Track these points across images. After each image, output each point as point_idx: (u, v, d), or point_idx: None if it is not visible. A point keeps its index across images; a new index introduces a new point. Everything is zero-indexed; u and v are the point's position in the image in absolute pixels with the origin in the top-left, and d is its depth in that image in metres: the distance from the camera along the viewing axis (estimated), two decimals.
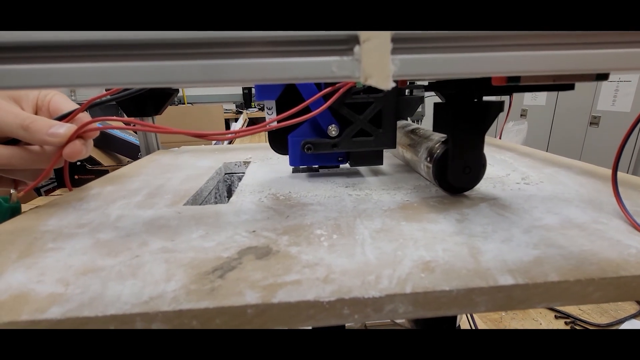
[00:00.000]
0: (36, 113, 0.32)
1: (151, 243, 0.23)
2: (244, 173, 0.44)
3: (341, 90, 0.32)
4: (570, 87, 0.23)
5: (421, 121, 1.88)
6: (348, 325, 0.56)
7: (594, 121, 2.06)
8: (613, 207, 0.27)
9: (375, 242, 0.23)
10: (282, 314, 0.17)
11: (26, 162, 0.30)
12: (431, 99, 0.42)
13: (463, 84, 0.29)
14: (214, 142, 1.28)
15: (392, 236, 0.23)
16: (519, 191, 0.32)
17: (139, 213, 0.29)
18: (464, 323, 0.59)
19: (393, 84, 0.14)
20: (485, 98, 0.30)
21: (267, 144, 0.41)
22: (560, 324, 0.60)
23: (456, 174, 0.30)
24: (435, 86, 0.34)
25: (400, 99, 0.38)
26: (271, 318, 0.17)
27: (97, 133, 0.31)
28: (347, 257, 0.21)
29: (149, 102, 0.54)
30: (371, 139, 0.36)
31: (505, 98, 0.40)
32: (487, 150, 0.33)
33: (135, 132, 1.04)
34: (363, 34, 0.13)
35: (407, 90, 0.49)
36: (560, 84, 0.22)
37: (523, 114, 2.45)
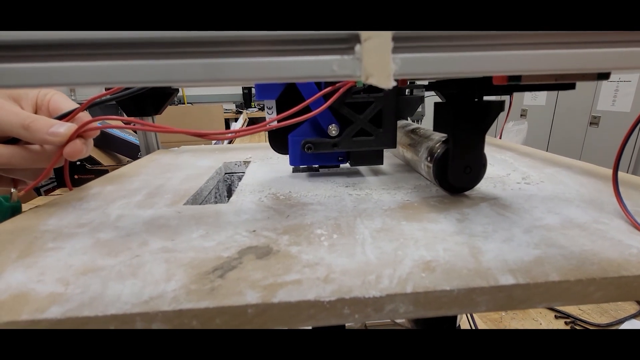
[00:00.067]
0: (36, 112, 0.32)
1: (151, 243, 0.23)
2: (244, 173, 0.44)
3: (341, 90, 0.32)
4: (571, 86, 0.23)
5: (421, 121, 1.88)
6: (348, 325, 0.56)
7: (594, 121, 2.06)
8: (614, 207, 0.27)
9: (375, 241, 0.23)
10: (283, 313, 0.17)
11: (26, 162, 0.30)
12: (431, 98, 0.42)
13: (464, 83, 0.29)
14: (214, 141, 1.28)
15: (392, 236, 0.23)
16: (520, 191, 0.32)
17: (139, 213, 0.29)
18: (464, 323, 0.59)
19: (394, 83, 0.14)
20: (485, 98, 0.30)
21: (267, 143, 0.41)
22: (560, 324, 0.60)
23: (457, 173, 0.30)
24: (436, 86, 0.34)
25: (401, 99, 0.38)
26: (271, 318, 0.17)
27: (98, 132, 0.31)
28: (348, 257, 0.21)
29: (149, 101, 0.54)
30: (371, 138, 0.36)
31: (506, 98, 0.40)
32: (488, 150, 0.33)
33: (135, 132, 1.04)
34: (364, 33, 0.13)
35: (407, 90, 0.49)
36: (562, 83, 0.22)
37: (523, 114, 2.45)
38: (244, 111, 3.18)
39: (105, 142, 1.19)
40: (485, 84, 0.27)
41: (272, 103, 0.36)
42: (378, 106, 0.35)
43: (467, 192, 0.32)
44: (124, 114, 0.54)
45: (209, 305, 0.17)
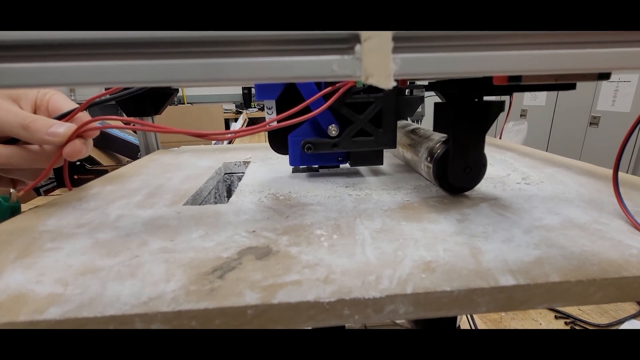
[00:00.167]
0: (35, 112, 0.32)
1: (151, 243, 0.23)
2: (243, 173, 0.44)
3: (341, 90, 0.32)
4: (572, 86, 0.23)
5: (421, 121, 1.88)
6: (348, 325, 0.56)
7: (594, 121, 2.06)
8: (614, 207, 0.27)
9: (375, 242, 0.23)
10: (282, 314, 0.17)
11: (25, 162, 0.30)
12: (431, 99, 0.42)
13: (464, 83, 0.29)
14: (213, 142, 1.28)
15: (392, 236, 0.23)
16: (520, 191, 0.32)
17: (139, 213, 0.28)
18: (464, 323, 0.59)
19: (394, 83, 0.14)
20: (485, 98, 0.30)
21: (267, 143, 0.41)
22: (560, 324, 0.60)
23: (457, 173, 0.30)
24: (436, 86, 0.34)
25: (401, 99, 0.38)
26: (271, 319, 0.17)
27: (97, 132, 0.31)
28: (348, 258, 0.21)
29: (148, 101, 0.54)
30: (371, 138, 0.36)
31: (506, 98, 0.39)
32: (487, 150, 0.33)
33: (135, 132, 1.04)
34: (364, 33, 0.13)
35: (407, 90, 0.49)
36: (562, 83, 0.22)
37: (523, 114, 2.45)
38: (244, 111, 3.17)
39: (105, 142, 1.19)
40: (485, 84, 0.27)
41: (271, 103, 0.36)
42: (378, 106, 0.35)
43: (467, 193, 0.32)
44: (124, 114, 0.54)
45: (208, 306, 0.17)
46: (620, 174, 0.33)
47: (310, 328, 0.20)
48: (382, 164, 0.39)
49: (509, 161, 0.44)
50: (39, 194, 1.17)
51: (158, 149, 0.60)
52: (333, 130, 0.35)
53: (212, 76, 0.14)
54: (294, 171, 0.42)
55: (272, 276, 0.19)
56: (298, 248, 0.22)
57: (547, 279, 0.18)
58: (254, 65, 0.14)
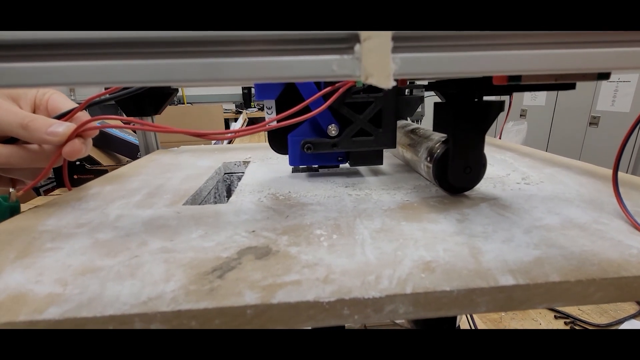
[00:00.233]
0: (34, 112, 0.32)
1: (150, 243, 0.23)
2: (243, 173, 0.44)
3: (341, 90, 0.32)
4: (572, 86, 0.23)
5: (421, 121, 1.88)
6: (348, 325, 0.56)
7: (594, 121, 2.06)
8: (614, 207, 0.27)
9: (375, 242, 0.23)
10: (282, 314, 0.17)
11: (25, 161, 0.30)
12: (431, 98, 0.42)
13: (463, 83, 0.29)
14: (213, 141, 1.28)
15: (392, 236, 0.23)
16: (520, 191, 0.32)
17: (138, 213, 0.28)
18: (463, 323, 0.59)
19: (394, 83, 0.14)
20: (485, 98, 0.30)
21: (267, 143, 0.41)
22: (559, 324, 0.60)
23: (456, 173, 0.30)
24: (436, 86, 0.34)
25: (400, 99, 0.38)
26: (271, 319, 0.17)
27: (97, 132, 0.31)
28: (347, 257, 0.21)
29: (148, 101, 0.54)
30: (371, 138, 0.36)
31: (505, 98, 0.39)
32: (487, 150, 0.33)
33: (135, 132, 1.04)
34: (363, 33, 0.13)
35: (407, 90, 0.49)
36: (562, 83, 0.22)
37: (523, 114, 2.45)
38: (244, 111, 3.17)
39: (105, 142, 1.19)
40: (485, 84, 0.27)
41: (271, 103, 0.36)
42: (378, 106, 0.35)
43: (466, 193, 0.32)
44: (123, 114, 0.54)
45: (208, 306, 0.17)
46: (620, 174, 0.33)
47: (310, 328, 0.20)
48: (381, 164, 0.39)
49: (508, 161, 0.44)
50: (38, 194, 1.17)
51: (158, 148, 0.60)
52: (333, 130, 0.35)
53: (211, 76, 0.14)
54: (293, 171, 0.42)
55: (271, 276, 0.19)
56: (298, 248, 0.22)
57: (546, 278, 0.18)
58: (253, 65, 0.14)
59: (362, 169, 0.43)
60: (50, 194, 1.16)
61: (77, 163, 1.13)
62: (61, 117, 0.30)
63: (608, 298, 0.19)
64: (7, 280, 0.19)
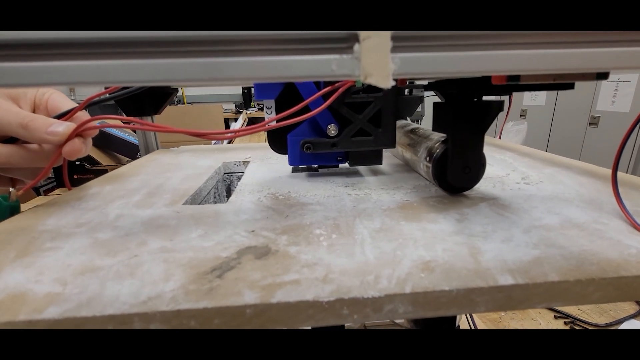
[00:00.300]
0: (34, 111, 0.32)
1: (150, 243, 0.23)
2: (243, 172, 0.44)
3: (340, 90, 0.32)
4: (570, 86, 0.23)
5: (420, 121, 1.88)
6: (347, 325, 0.56)
7: (594, 121, 2.06)
8: (613, 207, 0.27)
9: (374, 241, 0.23)
10: (281, 314, 0.17)
11: (25, 161, 0.30)
12: (431, 98, 0.42)
13: (463, 83, 0.29)
14: (213, 141, 1.28)
15: (391, 236, 0.23)
16: (519, 191, 0.32)
17: (138, 212, 0.28)
18: (463, 323, 0.59)
19: (393, 83, 0.14)
20: (485, 98, 0.30)
21: (267, 143, 0.41)
22: (559, 324, 0.60)
23: (456, 173, 0.30)
24: (435, 86, 0.34)
25: (400, 99, 0.38)
26: (270, 318, 0.17)
27: (97, 131, 0.31)
28: (347, 257, 0.21)
29: (148, 101, 0.54)
30: (370, 138, 0.36)
31: (505, 98, 0.39)
32: (487, 150, 0.33)
33: (135, 132, 1.04)
34: (363, 33, 0.13)
35: (406, 90, 0.49)
36: (560, 83, 0.22)
37: (522, 114, 2.45)
38: (244, 111, 3.18)
39: (105, 141, 1.19)
40: (484, 83, 0.27)
41: (271, 103, 0.36)
42: (377, 106, 0.35)
43: (466, 192, 0.32)
44: (123, 114, 0.54)
45: (207, 306, 0.17)
46: (620, 174, 0.33)
47: (309, 328, 0.20)
48: (381, 164, 0.39)
49: (508, 161, 0.44)
50: (38, 194, 1.17)
51: (158, 148, 0.60)
52: (332, 129, 0.35)
53: (211, 75, 0.14)
54: (293, 171, 0.42)
55: (271, 276, 0.19)
56: (297, 247, 0.22)
57: (545, 278, 0.18)
58: (253, 64, 0.14)
59: (361, 168, 0.43)
60: (50, 193, 1.16)
61: (77, 163, 1.13)
62: (61, 116, 0.30)
63: (607, 298, 0.19)
64: (7, 279, 0.19)
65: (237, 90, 3.80)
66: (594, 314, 0.62)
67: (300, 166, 0.42)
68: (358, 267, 0.20)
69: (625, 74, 1.88)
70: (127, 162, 0.92)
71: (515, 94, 0.39)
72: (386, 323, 0.60)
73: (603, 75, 0.20)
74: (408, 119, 0.50)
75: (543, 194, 0.31)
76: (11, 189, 0.31)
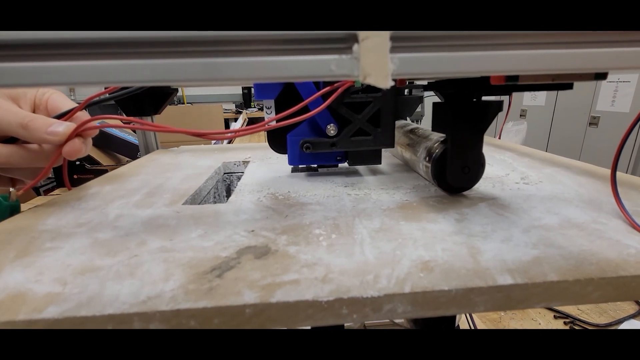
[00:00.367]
0: (34, 111, 0.32)
1: (150, 242, 0.23)
2: (243, 172, 0.44)
3: (340, 90, 0.32)
4: (569, 86, 0.23)
5: (420, 121, 1.88)
6: (347, 325, 0.56)
7: (593, 121, 2.06)
8: (612, 207, 0.27)
9: (374, 241, 0.23)
10: (281, 313, 0.17)
11: (25, 161, 0.30)
12: (430, 98, 0.42)
13: (462, 83, 0.29)
14: (213, 141, 1.28)
15: (391, 236, 0.23)
16: (518, 191, 0.32)
17: (138, 212, 0.28)
18: (463, 323, 0.59)
19: (392, 83, 0.14)
20: (484, 98, 0.30)
21: (267, 143, 0.41)
22: (559, 324, 0.60)
23: (455, 173, 0.30)
24: (435, 86, 0.34)
25: (399, 99, 0.38)
26: (269, 318, 0.17)
27: (97, 131, 0.31)
28: (346, 257, 0.21)
29: (148, 101, 0.54)
30: (370, 138, 0.36)
31: (505, 98, 0.40)
32: (487, 150, 0.33)
33: (135, 132, 1.04)
34: (362, 33, 0.13)
35: (406, 90, 0.49)
36: (559, 83, 0.22)
37: (522, 114, 2.45)
38: (244, 111, 3.18)
39: (105, 141, 1.19)
40: (483, 84, 0.27)
41: (270, 103, 0.36)
42: (376, 106, 0.35)
43: (465, 192, 0.32)
44: (123, 114, 0.54)
45: (207, 305, 0.17)
46: (619, 174, 0.33)
47: (309, 327, 0.20)
48: (380, 164, 0.39)
49: (508, 161, 0.44)
50: (38, 194, 1.17)
51: (157, 148, 0.60)
52: (331, 129, 0.36)
53: (211, 76, 0.14)
54: (293, 171, 0.42)
55: (270, 275, 0.19)
56: (297, 247, 0.22)
57: (545, 278, 0.18)
58: (252, 64, 0.14)
59: (361, 168, 0.43)
60: (50, 193, 1.16)
61: (77, 163, 1.13)
62: (61, 116, 0.30)
63: (606, 297, 0.19)
64: (7, 279, 0.19)
65: (237, 90, 3.80)
66: (594, 314, 0.62)
67: (299, 166, 0.42)
68: (357, 266, 0.20)
69: (625, 74, 1.88)
70: (127, 162, 0.92)
71: (515, 94, 0.39)
72: (386, 323, 0.60)
73: (601, 76, 0.20)
74: (408, 119, 0.50)
75: (542, 194, 0.31)
76: (11, 189, 0.31)
